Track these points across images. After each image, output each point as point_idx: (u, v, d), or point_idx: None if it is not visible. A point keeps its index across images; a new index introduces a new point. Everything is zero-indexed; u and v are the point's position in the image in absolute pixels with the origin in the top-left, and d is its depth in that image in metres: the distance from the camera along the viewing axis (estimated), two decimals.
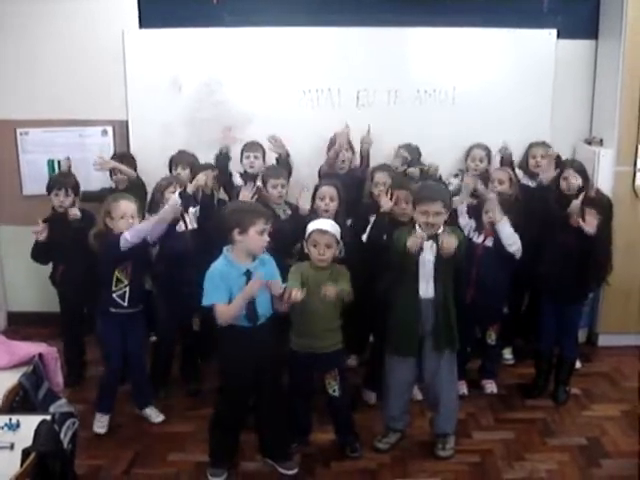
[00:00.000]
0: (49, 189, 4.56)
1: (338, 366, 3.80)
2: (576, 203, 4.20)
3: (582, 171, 4.60)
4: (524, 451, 3.91)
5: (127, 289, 3.99)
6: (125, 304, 4.00)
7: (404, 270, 3.70)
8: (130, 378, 4.25)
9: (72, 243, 4.33)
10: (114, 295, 3.98)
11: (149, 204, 4.43)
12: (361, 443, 3.90)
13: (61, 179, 4.64)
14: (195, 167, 4.81)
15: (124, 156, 5.03)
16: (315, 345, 3.70)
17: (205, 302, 3.40)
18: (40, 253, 4.53)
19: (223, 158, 4.88)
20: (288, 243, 4.19)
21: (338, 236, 3.71)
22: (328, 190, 4.28)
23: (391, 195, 4.12)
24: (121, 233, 3.85)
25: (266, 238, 3.44)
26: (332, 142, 4.98)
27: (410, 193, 4.08)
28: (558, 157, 4.86)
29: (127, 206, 3.96)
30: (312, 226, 3.72)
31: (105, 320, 4.05)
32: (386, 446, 3.92)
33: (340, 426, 3.91)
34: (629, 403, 4.38)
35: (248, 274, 3.42)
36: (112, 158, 5.02)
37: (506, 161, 4.96)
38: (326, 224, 3.73)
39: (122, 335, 4.07)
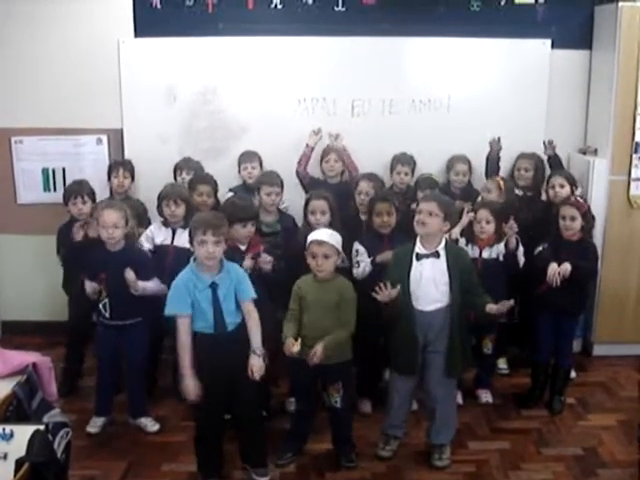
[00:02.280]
0: (66, 198, 4.54)
1: (343, 379, 3.77)
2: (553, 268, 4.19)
3: (570, 179, 4.63)
4: (520, 461, 3.89)
5: (106, 300, 4.00)
6: (107, 315, 4.01)
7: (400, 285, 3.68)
8: (126, 387, 4.26)
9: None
10: (99, 305, 4.02)
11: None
12: (356, 453, 3.89)
13: (76, 187, 4.60)
14: (197, 175, 4.86)
15: (124, 163, 5.01)
16: (324, 356, 3.66)
17: (167, 312, 3.44)
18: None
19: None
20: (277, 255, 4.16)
21: (339, 245, 3.70)
22: (318, 204, 4.27)
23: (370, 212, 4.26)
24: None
25: (209, 249, 3.40)
26: (325, 152, 5.03)
27: (391, 205, 4.17)
28: (542, 162, 4.98)
29: (108, 216, 3.95)
30: (310, 237, 3.71)
31: (98, 327, 4.11)
32: (389, 453, 3.92)
33: (339, 437, 3.90)
34: (625, 413, 4.38)
35: (213, 286, 3.45)
36: (112, 165, 5.01)
37: (493, 155, 4.98)
38: (324, 234, 3.70)
39: (115, 345, 4.09)
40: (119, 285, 3.95)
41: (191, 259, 3.49)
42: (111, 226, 3.93)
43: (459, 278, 3.66)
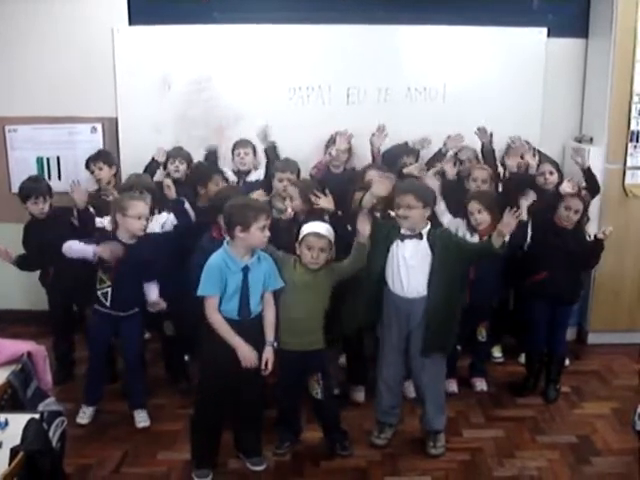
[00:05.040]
0: (25, 198, 4.44)
1: (321, 369, 3.76)
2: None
3: (557, 166, 4.66)
4: (514, 449, 3.90)
5: (109, 290, 3.98)
6: (107, 304, 4.00)
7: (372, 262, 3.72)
8: (124, 379, 4.28)
9: (59, 246, 4.10)
10: (98, 292, 4.00)
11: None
12: (350, 441, 3.89)
13: (35, 186, 4.51)
14: (205, 165, 4.90)
15: (95, 157, 4.90)
16: (300, 342, 3.68)
17: (200, 292, 3.43)
18: (26, 264, 4.50)
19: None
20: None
21: (332, 240, 3.69)
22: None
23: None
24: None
25: (267, 233, 3.46)
26: (331, 139, 5.01)
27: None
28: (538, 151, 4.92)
29: (144, 208, 3.96)
30: (307, 228, 3.69)
31: (93, 315, 4.10)
32: (384, 441, 3.93)
33: (327, 427, 3.90)
34: (619, 401, 4.39)
35: (246, 270, 3.45)
36: (91, 158, 4.91)
37: (487, 146, 4.95)
38: (322, 228, 3.70)
39: (110, 333, 4.10)
40: (127, 277, 3.95)
41: (224, 241, 3.49)
42: (144, 216, 3.94)
43: (443, 262, 3.63)
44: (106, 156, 4.93)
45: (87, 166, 4.89)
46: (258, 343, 3.53)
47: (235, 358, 3.43)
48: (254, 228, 3.39)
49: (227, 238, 3.50)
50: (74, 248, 3.90)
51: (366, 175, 4.52)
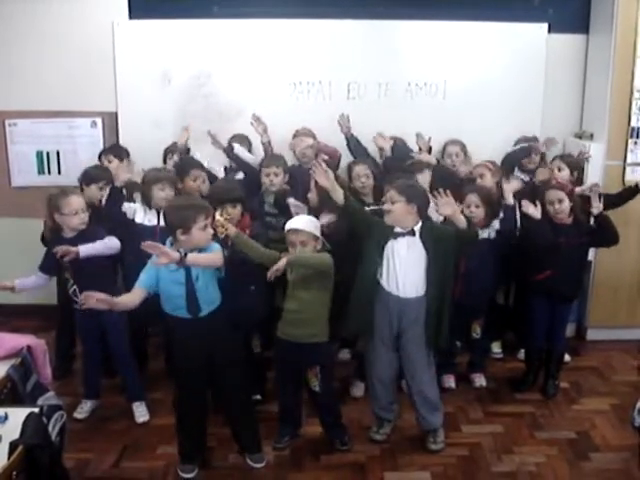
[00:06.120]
0: (91, 181, 4.37)
1: (319, 362, 3.75)
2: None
3: (570, 163, 4.65)
4: (513, 444, 3.91)
5: (75, 287, 3.98)
6: (78, 300, 3.98)
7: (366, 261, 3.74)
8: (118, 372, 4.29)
9: None
10: (69, 291, 4.02)
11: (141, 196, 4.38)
12: (350, 436, 3.90)
13: (104, 173, 4.47)
14: (187, 160, 4.80)
15: (109, 149, 4.94)
16: (295, 333, 3.68)
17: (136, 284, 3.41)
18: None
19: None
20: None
21: (316, 231, 3.67)
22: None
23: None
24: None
25: (210, 231, 3.41)
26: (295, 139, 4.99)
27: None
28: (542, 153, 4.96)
29: (78, 202, 3.90)
30: (287, 225, 3.69)
31: (75, 312, 4.07)
32: (383, 437, 3.93)
33: (326, 420, 3.91)
34: (618, 397, 4.40)
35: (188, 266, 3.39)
36: (104, 151, 4.95)
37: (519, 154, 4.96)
38: (300, 222, 3.68)
39: (94, 327, 4.08)
40: (83, 271, 3.91)
41: (167, 241, 3.43)
42: (81, 210, 3.90)
43: (437, 257, 3.64)
44: (118, 150, 4.93)
45: (99, 158, 4.89)
46: (218, 340, 3.50)
47: (200, 349, 3.43)
48: (195, 229, 3.33)
49: (169, 239, 3.44)
50: None
51: (353, 171, 4.53)
